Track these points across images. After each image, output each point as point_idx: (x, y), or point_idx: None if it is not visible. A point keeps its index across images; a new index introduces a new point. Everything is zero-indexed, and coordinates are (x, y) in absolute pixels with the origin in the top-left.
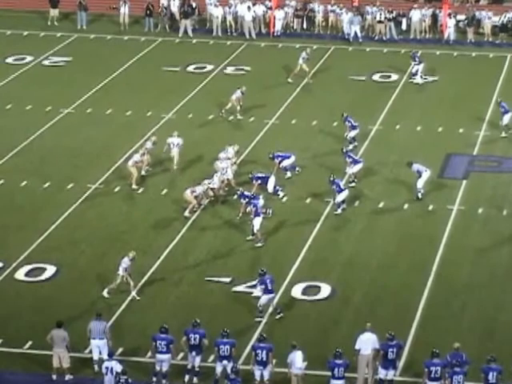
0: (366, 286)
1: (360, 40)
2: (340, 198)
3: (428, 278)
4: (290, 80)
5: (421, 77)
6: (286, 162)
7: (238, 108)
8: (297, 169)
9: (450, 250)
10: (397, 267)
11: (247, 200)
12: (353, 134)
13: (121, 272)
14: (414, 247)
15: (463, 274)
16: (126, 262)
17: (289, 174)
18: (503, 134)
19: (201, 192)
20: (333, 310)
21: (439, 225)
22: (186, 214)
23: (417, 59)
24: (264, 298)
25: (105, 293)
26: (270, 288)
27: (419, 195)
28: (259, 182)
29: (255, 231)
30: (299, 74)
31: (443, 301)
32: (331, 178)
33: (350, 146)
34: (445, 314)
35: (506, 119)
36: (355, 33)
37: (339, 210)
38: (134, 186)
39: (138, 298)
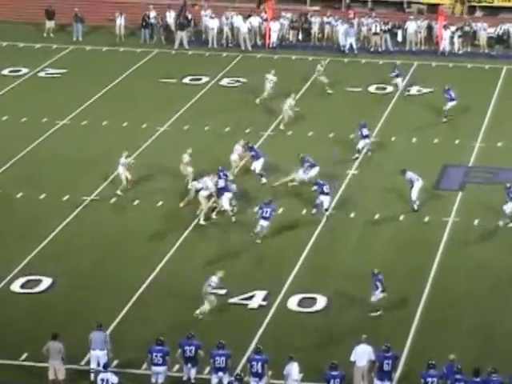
0: (362, 297)
1: (355, 52)
2: (325, 202)
3: (424, 289)
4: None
5: (401, 88)
6: (257, 164)
7: (287, 117)
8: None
9: (446, 262)
10: (393, 278)
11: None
12: (361, 144)
13: (209, 290)
14: (410, 258)
15: (460, 285)
16: (214, 281)
17: (263, 180)
18: (444, 120)
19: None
20: (329, 322)
21: (435, 236)
22: (201, 222)
23: (396, 71)
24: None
25: (198, 312)
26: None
27: (415, 207)
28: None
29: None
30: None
31: (440, 312)
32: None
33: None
34: (441, 325)
35: (449, 106)
36: (350, 44)
37: (314, 210)
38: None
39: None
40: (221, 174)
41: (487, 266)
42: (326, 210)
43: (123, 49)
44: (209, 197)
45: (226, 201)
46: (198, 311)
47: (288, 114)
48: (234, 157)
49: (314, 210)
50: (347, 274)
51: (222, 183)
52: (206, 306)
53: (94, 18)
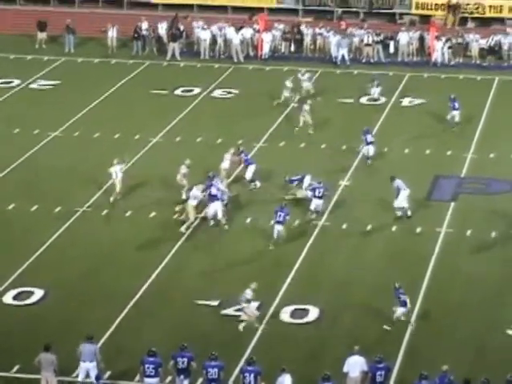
0: (354, 308)
1: (348, 63)
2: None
3: (417, 300)
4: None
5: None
6: (248, 170)
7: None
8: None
9: (438, 273)
10: (385, 289)
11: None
12: (365, 150)
13: (244, 304)
14: (403, 269)
15: (452, 296)
16: (249, 294)
17: (257, 184)
18: (453, 129)
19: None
20: (321, 333)
21: (428, 247)
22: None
23: (375, 82)
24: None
25: (241, 327)
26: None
27: (398, 213)
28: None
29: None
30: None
31: (432, 323)
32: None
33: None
34: (434, 336)
35: (451, 115)
36: (343, 56)
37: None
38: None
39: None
40: (212, 181)
41: (479, 276)
42: (317, 212)
43: (115, 60)
44: (197, 206)
45: (218, 208)
46: (240, 327)
47: (307, 119)
48: (224, 165)
49: (313, 215)
50: (340, 285)
51: (214, 191)
52: (249, 320)
53: (85, 30)
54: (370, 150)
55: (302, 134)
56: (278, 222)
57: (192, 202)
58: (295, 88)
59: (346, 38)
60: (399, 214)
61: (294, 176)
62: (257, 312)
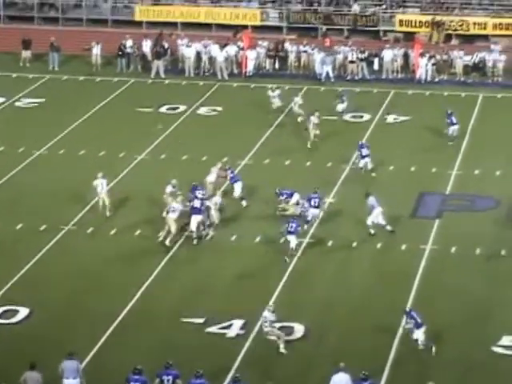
0: (340, 326)
1: (332, 80)
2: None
3: (402, 317)
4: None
5: (342, 112)
6: (236, 187)
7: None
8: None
9: (423, 289)
10: (371, 306)
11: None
12: (362, 163)
13: (267, 329)
14: (388, 287)
15: (437, 313)
16: (268, 318)
17: (243, 203)
18: (450, 143)
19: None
20: (307, 350)
21: (412, 264)
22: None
23: (343, 98)
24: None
25: (282, 350)
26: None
27: (372, 231)
28: (231, 174)
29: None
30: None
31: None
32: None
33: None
34: (420, 352)
35: (451, 129)
36: (327, 73)
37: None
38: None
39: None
40: (196, 192)
41: (464, 293)
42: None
43: (100, 78)
44: (178, 219)
45: (197, 221)
46: (282, 349)
47: (315, 132)
48: (211, 178)
49: (305, 226)
50: (325, 302)
51: (196, 204)
52: (278, 342)
53: (70, 48)
54: (368, 164)
55: (288, 152)
56: (290, 233)
57: (172, 215)
58: (303, 104)
59: (330, 55)
60: (372, 231)
61: (285, 189)
62: (282, 333)
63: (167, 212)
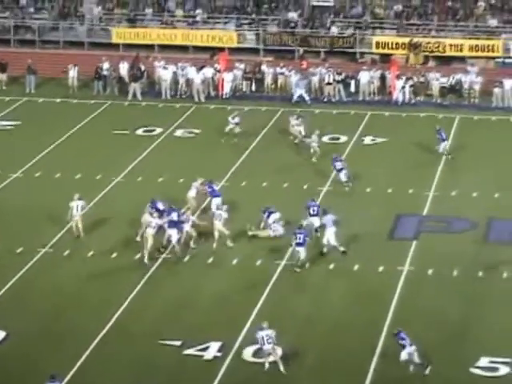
0: (318, 347)
1: (308, 102)
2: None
3: (379, 338)
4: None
5: (304, 136)
6: (215, 201)
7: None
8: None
9: (401, 311)
10: (348, 328)
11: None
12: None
13: (266, 345)
14: (365, 308)
15: (414, 334)
16: (268, 336)
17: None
18: (449, 157)
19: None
20: (283, 374)
21: (390, 285)
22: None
23: (300, 119)
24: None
25: (282, 370)
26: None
27: (324, 249)
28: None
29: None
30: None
31: (396, 360)
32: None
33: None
34: (398, 373)
35: (442, 145)
36: (301, 95)
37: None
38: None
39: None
40: (172, 213)
41: (441, 315)
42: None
43: (76, 100)
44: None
45: (173, 235)
46: (282, 369)
47: (315, 149)
48: (192, 193)
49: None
50: (302, 324)
51: (174, 217)
52: (276, 360)
53: (46, 70)
54: (342, 176)
55: (264, 173)
56: (299, 244)
57: (150, 231)
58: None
59: (303, 78)
60: (325, 250)
61: (270, 209)
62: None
63: (145, 228)
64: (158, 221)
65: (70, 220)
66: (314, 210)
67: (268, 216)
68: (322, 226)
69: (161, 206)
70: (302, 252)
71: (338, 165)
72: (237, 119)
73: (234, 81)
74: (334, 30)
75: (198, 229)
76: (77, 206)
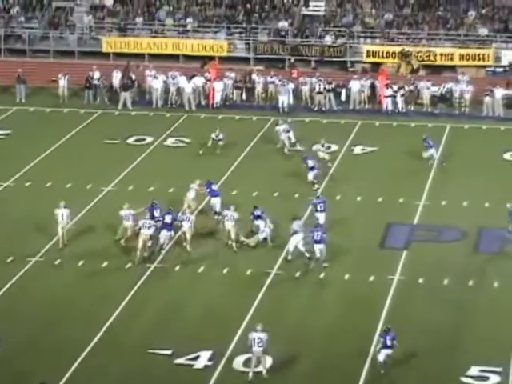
0: (308, 357)
1: (286, 110)
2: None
3: (370, 347)
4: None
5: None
6: (215, 201)
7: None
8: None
9: (392, 320)
10: (340, 337)
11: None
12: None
13: (256, 347)
14: (356, 317)
15: (404, 344)
16: (261, 339)
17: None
18: (430, 163)
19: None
20: (274, 382)
21: (381, 295)
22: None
23: (286, 125)
24: None
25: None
26: None
27: (289, 257)
28: (208, 190)
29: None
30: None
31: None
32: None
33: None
34: (387, 382)
35: (429, 153)
36: (283, 103)
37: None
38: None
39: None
40: (167, 216)
41: (432, 324)
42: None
43: (67, 110)
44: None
45: (165, 237)
46: (264, 373)
47: (324, 157)
48: (191, 195)
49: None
50: (293, 334)
51: (168, 219)
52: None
53: (37, 79)
54: (310, 176)
55: (255, 182)
56: (317, 242)
57: (146, 231)
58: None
59: (285, 85)
60: (289, 257)
61: (256, 211)
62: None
63: (139, 229)
64: (152, 221)
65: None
66: (320, 207)
67: (255, 218)
68: (292, 233)
69: (156, 213)
70: (321, 249)
71: (310, 163)
72: (221, 135)
73: (225, 90)
74: (328, 39)
75: (197, 230)
76: (62, 215)
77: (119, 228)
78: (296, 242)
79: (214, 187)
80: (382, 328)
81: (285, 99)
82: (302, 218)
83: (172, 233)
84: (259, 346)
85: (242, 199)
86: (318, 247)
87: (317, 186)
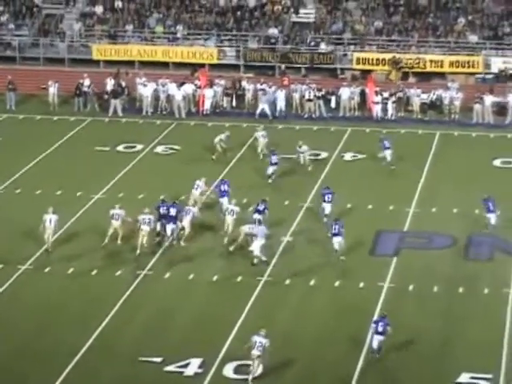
0: (298, 363)
1: (270, 118)
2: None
3: (360, 354)
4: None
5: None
6: (223, 200)
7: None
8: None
9: None
10: (330, 343)
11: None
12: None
13: (255, 350)
14: (346, 324)
15: (395, 349)
16: (264, 343)
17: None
18: (383, 164)
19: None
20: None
21: (371, 302)
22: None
23: (261, 133)
24: None
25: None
26: None
27: (255, 261)
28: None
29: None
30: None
31: (376, 376)
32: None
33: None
34: None
35: (386, 154)
36: (262, 109)
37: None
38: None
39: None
40: (171, 209)
41: (422, 331)
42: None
43: (57, 117)
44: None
45: (173, 229)
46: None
47: (304, 161)
48: (196, 192)
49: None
50: (283, 341)
51: (172, 212)
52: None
53: (27, 87)
54: (269, 169)
55: (242, 189)
56: (335, 235)
57: (146, 228)
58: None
59: (265, 93)
60: (255, 261)
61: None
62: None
63: (140, 225)
64: (151, 217)
65: (42, 232)
66: (328, 197)
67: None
68: (254, 236)
69: (162, 210)
70: (339, 242)
71: (274, 159)
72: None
73: (214, 97)
74: (323, 47)
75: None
76: (50, 220)
77: (108, 231)
78: (256, 245)
79: (224, 188)
80: (381, 314)
81: (265, 106)
82: (266, 224)
83: (178, 224)
84: (258, 350)
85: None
86: (336, 240)
87: (270, 180)
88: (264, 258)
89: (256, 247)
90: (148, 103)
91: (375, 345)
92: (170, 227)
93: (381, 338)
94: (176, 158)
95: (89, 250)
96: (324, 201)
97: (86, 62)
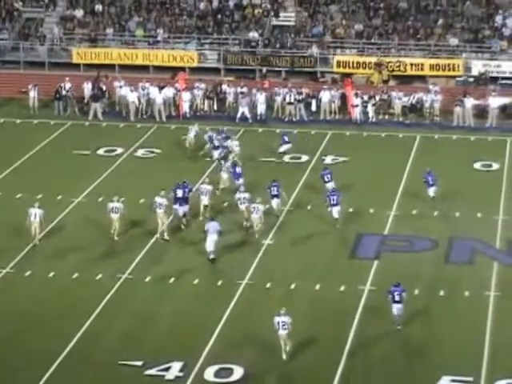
0: (279, 367)
1: (250, 121)
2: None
3: (341, 358)
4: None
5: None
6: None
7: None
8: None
9: (362, 330)
10: (310, 348)
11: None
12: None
13: (281, 330)
14: (327, 328)
15: (376, 353)
16: (286, 320)
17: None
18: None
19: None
20: None
21: (351, 305)
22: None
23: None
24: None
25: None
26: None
27: (211, 256)
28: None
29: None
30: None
31: (357, 378)
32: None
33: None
34: None
35: (282, 148)
36: (243, 113)
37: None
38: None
39: None
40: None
41: (403, 334)
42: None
43: (37, 121)
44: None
45: (181, 211)
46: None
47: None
48: (225, 175)
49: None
50: (263, 344)
51: (179, 193)
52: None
53: (6, 91)
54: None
55: (226, 191)
56: (333, 205)
57: (159, 210)
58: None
59: (245, 96)
60: (212, 256)
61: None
62: None
63: (155, 208)
64: (165, 200)
65: (28, 225)
66: (327, 177)
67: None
68: (206, 232)
69: (179, 193)
70: (336, 211)
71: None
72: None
73: (194, 100)
74: (314, 51)
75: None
76: (35, 214)
77: (111, 225)
78: (209, 241)
79: (238, 170)
80: (394, 283)
81: (245, 110)
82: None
83: (187, 207)
84: (284, 329)
85: (214, 209)
86: (335, 209)
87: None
88: (212, 256)
89: (210, 243)
90: (133, 110)
91: (396, 312)
92: (180, 209)
93: (399, 305)
94: (156, 161)
95: (69, 254)
96: (324, 181)
97: (66, 66)
